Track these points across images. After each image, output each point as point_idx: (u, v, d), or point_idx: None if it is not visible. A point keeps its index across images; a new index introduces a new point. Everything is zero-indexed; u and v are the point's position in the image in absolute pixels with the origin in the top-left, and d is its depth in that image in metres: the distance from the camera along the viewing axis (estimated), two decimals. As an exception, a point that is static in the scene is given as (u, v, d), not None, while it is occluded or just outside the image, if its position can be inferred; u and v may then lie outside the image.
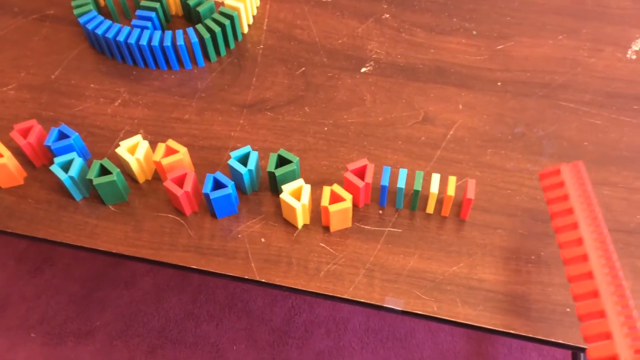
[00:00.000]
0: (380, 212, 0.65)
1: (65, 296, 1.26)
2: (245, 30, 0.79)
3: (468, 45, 0.78)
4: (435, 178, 0.63)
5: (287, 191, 0.62)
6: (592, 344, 0.44)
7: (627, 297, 0.46)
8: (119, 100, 0.73)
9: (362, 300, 0.60)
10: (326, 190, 0.62)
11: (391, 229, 0.64)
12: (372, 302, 0.60)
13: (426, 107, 0.73)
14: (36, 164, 0.67)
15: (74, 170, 0.62)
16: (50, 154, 0.67)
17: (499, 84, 0.75)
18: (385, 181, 0.63)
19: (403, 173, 0.64)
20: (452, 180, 0.63)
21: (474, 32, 0.79)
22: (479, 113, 0.72)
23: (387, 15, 0.80)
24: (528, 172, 0.67)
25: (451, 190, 0.62)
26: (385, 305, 0.59)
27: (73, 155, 0.63)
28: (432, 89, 0.74)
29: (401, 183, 0.63)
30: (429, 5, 0.82)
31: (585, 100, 0.73)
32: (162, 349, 1.19)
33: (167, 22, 0.79)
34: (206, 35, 0.72)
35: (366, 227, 0.64)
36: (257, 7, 0.81)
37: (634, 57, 0.76)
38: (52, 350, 1.18)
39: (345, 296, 0.60)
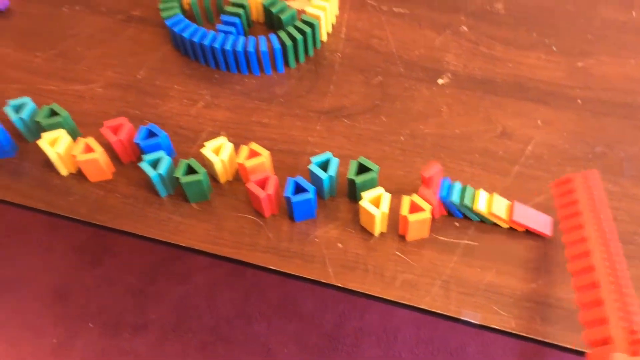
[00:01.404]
0: (457, 224, 0.66)
1: (122, 288, 1.29)
2: (324, 38, 0.80)
3: (547, 61, 0.78)
4: (501, 202, 0.64)
5: (367, 198, 0.63)
6: (593, 349, 0.46)
7: (630, 303, 0.48)
8: (202, 102, 0.75)
9: (438, 312, 0.60)
10: (406, 200, 0.63)
11: (468, 242, 0.64)
12: (448, 314, 0.60)
13: (504, 121, 0.73)
14: (124, 160, 0.70)
15: (162, 168, 0.64)
16: (137, 151, 0.69)
17: (579, 101, 0.74)
18: (455, 198, 0.64)
19: (470, 191, 0.64)
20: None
21: (554, 48, 0.79)
22: (558, 130, 0.72)
23: (465, 28, 0.81)
24: (608, 193, 0.66)
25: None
26: (461, 318, 0.60)
27: (161, 153, 0.65)
28: (510, 104, 0.74)
29: (467, 200, 0.64)
30: (508, 19, 0.82)
31: (667, 122, 0.72)
32: (213, 345, 1.21)
33: (248, 27, 0.81)
34: (288, 42, 0.74)
35: (442, 238, 0.65)
36: (336, 16, 0.82)
37: None
38: (109, 341, 1.21)
39: (421, 306, 0.60)
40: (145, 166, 0.64)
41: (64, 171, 0.69)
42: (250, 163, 0.65)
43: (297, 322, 1.23)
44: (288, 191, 0.63)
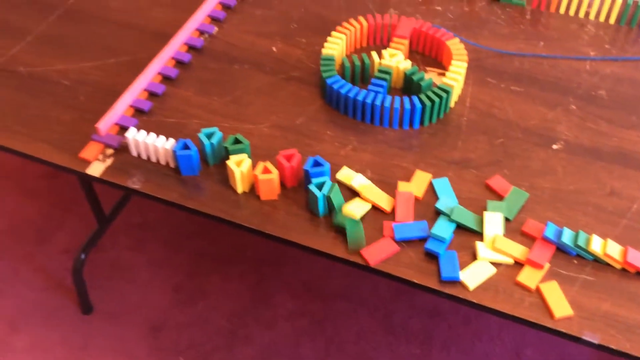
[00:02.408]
0: (575, 261, 0.76)
1: (213, 328, 1.38)
2: (452, 105, 0.95)
3: (646, 138, 0.91)
4: (615, 246, 0.75)
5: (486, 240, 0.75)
6: None
7: None
8: (350, 146, 0.90)
9: (562, 331, 0.70)
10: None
11: (586, 277, 0.75)
12: (571, 334, 0.70)
13: (611, 183, 0.85)
14: (289, 184, 0.84)
15: (326, 190, 0.78)
16: (300, 178, 0.84)
17: (677, 173, 0.86)
18: (566, 239, 0.75)
19: (583, 235, 0.76)
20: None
21: (652, 129, 0.92)
22: (660, 194, 0.83)
23: (574, 107, 0.95)
24: None
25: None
26: (583, 338, 0.69)
27: (326, 178, 0.79)
28: (616, 169, 0.87)
29: (581, 242, 0.75)
30: (610, 103, 0.96)
31: None
32: (295, 390, 1.27)
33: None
34: (427, 103, 0.89)
35: (563, 271, 0.75)
36: (461, 89, 0.98)
37: None
38: (198, 376, 1.28)
39: (547, 325, 0.70)
40: (313, 188, 0.78)
41: (240, 188, 0.83)
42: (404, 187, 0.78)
43: (374, 376, 1.29)
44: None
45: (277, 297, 1.39)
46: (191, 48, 1.05)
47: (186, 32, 1.04)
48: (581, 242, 0.76)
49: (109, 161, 0.88)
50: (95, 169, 0.87)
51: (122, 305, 1.39)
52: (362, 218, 0.80)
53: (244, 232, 0.78)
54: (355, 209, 0.80)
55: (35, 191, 1.60)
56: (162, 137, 0.86)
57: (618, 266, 0.76)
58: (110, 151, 0.90)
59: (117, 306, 1.40)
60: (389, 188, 0.84)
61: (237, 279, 1.42)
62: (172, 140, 0.85)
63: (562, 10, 1.10)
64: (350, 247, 0.77)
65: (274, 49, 1.05)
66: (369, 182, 0.84)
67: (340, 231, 0.79)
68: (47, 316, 1.36)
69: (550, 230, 0.77)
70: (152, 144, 0.84)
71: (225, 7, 1.12)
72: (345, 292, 1.38)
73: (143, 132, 0.86)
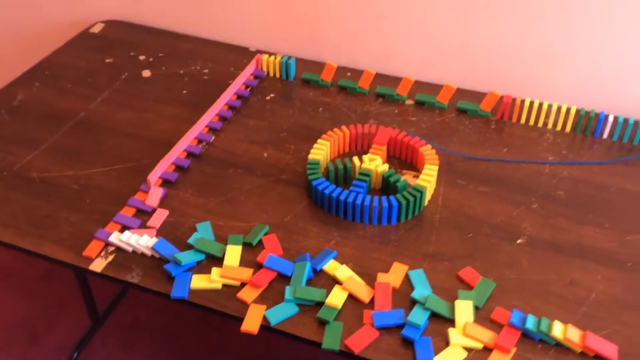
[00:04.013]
0: (540, 346, 0.83)
1: None
2: (426, 203, 1.05)
3: (602, 234, 1.00)
4: (575, 331, 0.82)
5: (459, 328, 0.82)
6: None
7: None
8: (334, 241, 0.99)
9: (529, 409, 0.75)
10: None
11: (550, 360, 0.81)
12: (538, 412, 0.75)
13: (572, 274, 0.93)
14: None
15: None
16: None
17: (629, 264, 0.95)
18: (529, 325, 0.83)
19: (545, 321, 0.84)
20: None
21: (607, 225, 1.02)
22: (615, 285, 0.91)
23: (536, 205, 1.05)
24: (661, 332, 0.84)
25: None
26: (549, 416, 0.74)
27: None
28: (575, 261, 0.95)
29: (543, 327, 0.83)
30: (568, 202, 1.06)
31: None
32: None
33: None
34: (403, 202, 0.99)
35: (529, 355, 0.82)
36: (434, 189, 1.08)
37: None
38: None
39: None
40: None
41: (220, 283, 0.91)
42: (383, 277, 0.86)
43: None
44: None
45: (265, 392, 1.41)
46: (190, 154, 1.16)
47: (186, 141, 1.16)
48: (544, 327, 0.83)
49: (111, 257, 0.96)
50: (97, 265, 0.95)
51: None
52: (343, 308, 0.88)
53: (228, 328, 0.82)
54: (336, 300, 0.87)
55: (30, 292, 1.65)
56: (146, 237, 0.95)
57: (578, 350, 0.82)
58: (112, 248, 0.97)
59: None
60: (369, 279, 0.92)
61: (225, 376, 1.44)
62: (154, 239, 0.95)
63: (522, 121, 1.24)
64: (324, 346, 0.83)
65: (265, 154, 1.16)
66: (352, 273, 0.92)
67: (323, 323, 0.86)
68: (37, 417, 1.37)
69: (515, 317, 0.84)
70: (137, 244, 0.94)
71: (222, 119, 1.25)
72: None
73: (132, 236, 0.96)
